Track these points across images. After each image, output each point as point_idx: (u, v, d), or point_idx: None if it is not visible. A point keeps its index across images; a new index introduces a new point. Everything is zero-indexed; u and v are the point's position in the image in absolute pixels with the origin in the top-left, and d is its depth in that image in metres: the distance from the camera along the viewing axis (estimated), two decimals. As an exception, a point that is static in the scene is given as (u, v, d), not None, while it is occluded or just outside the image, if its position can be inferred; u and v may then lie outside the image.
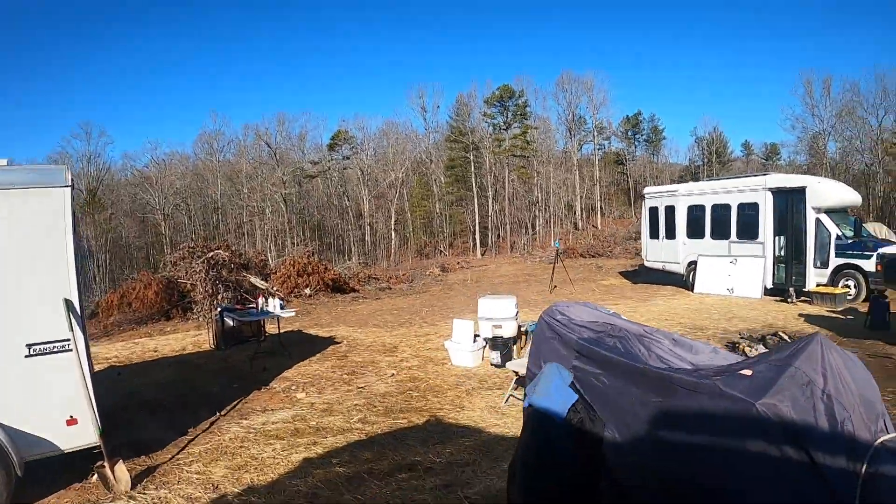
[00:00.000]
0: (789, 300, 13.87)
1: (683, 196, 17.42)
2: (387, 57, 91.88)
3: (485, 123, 55.10)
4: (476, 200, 51.16)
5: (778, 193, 14.88)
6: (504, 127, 55.59)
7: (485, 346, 8.65)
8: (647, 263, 19.17)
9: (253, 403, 6.99)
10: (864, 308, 12.67)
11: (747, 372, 2.64)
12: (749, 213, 15.56)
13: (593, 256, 32.09)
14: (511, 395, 6.64)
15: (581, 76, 56.79)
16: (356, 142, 57.74)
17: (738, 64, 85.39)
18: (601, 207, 54.77)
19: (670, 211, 17.68)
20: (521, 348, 9.01)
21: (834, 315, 12.34)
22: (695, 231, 17.04)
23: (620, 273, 24.22)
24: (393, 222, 52.55)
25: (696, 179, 27.48)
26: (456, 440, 5.47)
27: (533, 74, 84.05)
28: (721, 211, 16.31)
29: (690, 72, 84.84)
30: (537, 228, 51.52)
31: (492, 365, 8.34)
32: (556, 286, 18.30)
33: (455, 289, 22.48)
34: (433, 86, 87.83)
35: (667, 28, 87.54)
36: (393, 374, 8.13)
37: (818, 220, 14.18)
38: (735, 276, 15.51)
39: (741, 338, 9.39)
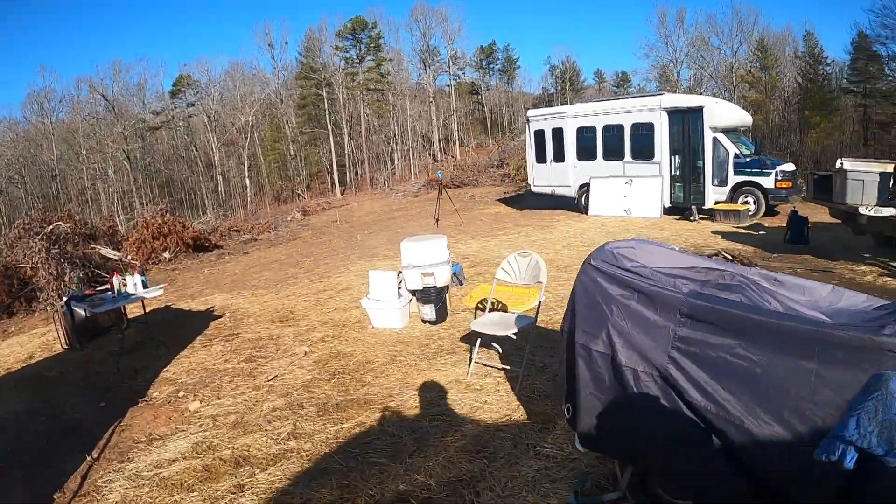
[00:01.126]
0: (691, 218, 13.91)
1: (572, 118, 16.69)
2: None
3: (337, 58, 52.52)
4: (331, 138, 49.06)
5: (674, 113, 14.70)
6: (357, 60, 53.29)
7: (410, 300, 7.04)
8: (534, 188, 18.51)
9: (134, 430, 4.77)
10: (768, 223, 13.14)
11: None
12: (644, 134, 15.23)
13: (459, 186, 30.91)
14: (476, 362, 5.13)
15: (435, 7, 56.72)
16: (200, 86, 53.35)
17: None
18: (459, 138, 54.61)
19: (558, 133, 16.96)
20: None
21: (745, 231, 12.33)
22: (586, 153, 16.48)
23: (499, 200, 23.41)
24: (246, 169, 49.15)
25: (550, 106, 27.22)
26: (437, 442, 3.90)
27: (385, 6, 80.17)
28: (613, 132, 15.86)
29: (544, 1, 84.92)
30: (396, 163, 50.50)
31: (424, 322, 6.75)
32: (438, 218, 16.87)
33: (327, 232, 20.48)
34: (280, 21, 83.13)
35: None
36: (306, 353, 6.19)
37: (715, 140, 14.24)
38: (631, 196, 15.27)
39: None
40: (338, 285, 9.55)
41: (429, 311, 6.71)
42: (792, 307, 2.58)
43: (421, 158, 50.93)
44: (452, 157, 50.45)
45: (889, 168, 8.48)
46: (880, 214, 7.98)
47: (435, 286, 6.69)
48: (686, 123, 14.57)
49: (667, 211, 14.97)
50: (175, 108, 53.91)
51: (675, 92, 35.60)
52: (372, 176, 48.20)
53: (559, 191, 17.38)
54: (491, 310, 5.56)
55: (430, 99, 53.69)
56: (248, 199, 47.23)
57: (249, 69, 55.26)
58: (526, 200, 20.98)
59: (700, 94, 38.00)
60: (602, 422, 2.81)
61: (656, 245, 3.11)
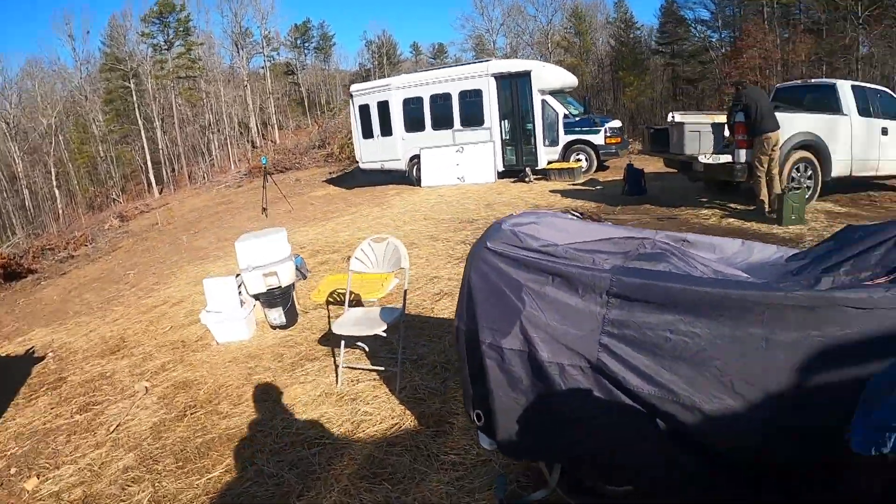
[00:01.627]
0: (526, 180, 14.21)
1: (397, 89, 16.41)
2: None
3: (143, 45, 48.87)
4: (143, 134, 45.65)
5: (502, 78, 14.96)
6: (165, 47, 49.90)
7: (254, 306, 6.26)
8: (362, 165, 18.02)
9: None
10: (602, 178, 13.96)
11: None
12: (472, 101, 15.35)
13: (282, 171, 29.64)
14: (344, 367, 4.59)
15: (247, -15, 52.95)
16: (-7, 89, 46.87)
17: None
18: (278, 121, 52.80)
19: (384, 106, 16.58)
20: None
21: (582, 188, 12.78)
22: (414, 124, 16.30)
23: (327, 181, 22.77)
24: (54, 178, 44.35)
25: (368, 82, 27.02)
26: (325, 473, 3.35)
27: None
28: (441, 101, 15.82)
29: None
30: (214, 153, 48.12)
31: (274, 328, 6.08)
32: (265, 207, 15.89)
33: (149, 238, 18.52)
34: (82, 8, 76.33)
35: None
36: (147, 390, 5.19)
37: (544, 102, 14.72)
38: (464, 164, 15.30)
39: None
40: (170, 298, 8.48)
41: (277, 316, 6.04)
42: (718, 269, 2.53)
43: (240, 146, 48.70)
44: (272, 141, 48.47)
45: (718, 119, 9.06)
46: (718, 161, 8.61)
47: (280, 286, 5.97)
48: (514, 88, 14.90)
49: (501, 175, 15.21)
50: (-33, 116, 47.44)
51: (476, 60, 36.76)
52: (190, 170, 45.59)
53: (389, 165, 17.04)
54: (351, 304, 5.02)
55: (245, 83, 51.18)
56: (60, 212, 42.58)
57: (49, 65, 50.09)
58: (354, 179, 20.56)
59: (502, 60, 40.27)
60: (525, 426, 2.46)
61: (558, 216, 2.80)
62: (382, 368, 4.53)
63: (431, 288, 6.54)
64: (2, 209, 44.34)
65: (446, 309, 5.76)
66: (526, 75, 14.66)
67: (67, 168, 46.72)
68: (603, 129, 14.59)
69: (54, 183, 44.54)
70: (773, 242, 7.06)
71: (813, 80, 11.70)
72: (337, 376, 4.53)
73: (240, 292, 6.15)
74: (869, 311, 1.94)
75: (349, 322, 4.36)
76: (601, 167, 15.02)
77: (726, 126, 8.76)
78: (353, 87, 17.95)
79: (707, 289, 2.11)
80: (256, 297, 6.07)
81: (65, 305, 10.34)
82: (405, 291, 4.49)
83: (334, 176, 24.04)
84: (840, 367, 1.95)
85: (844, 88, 9.58)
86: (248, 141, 49.70)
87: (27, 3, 76.59)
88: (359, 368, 4.63)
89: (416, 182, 16.07)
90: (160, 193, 42.46)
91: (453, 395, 3.99)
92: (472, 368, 2.57)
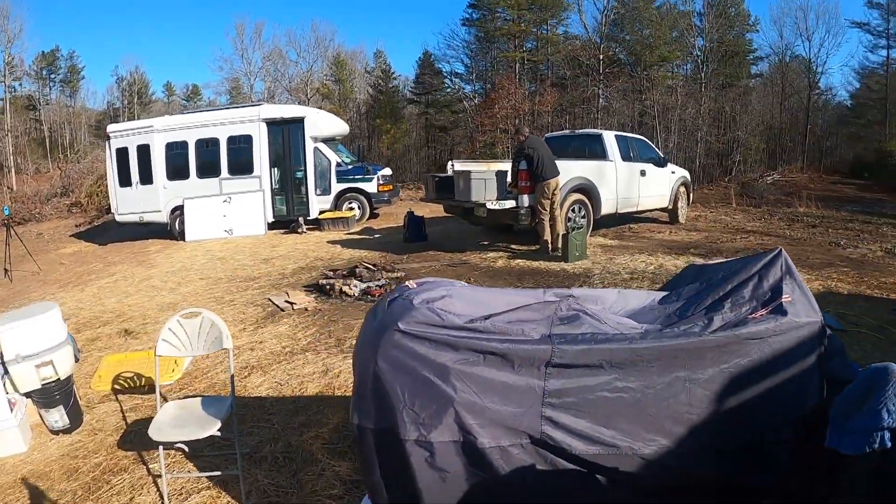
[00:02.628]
0: (299, 230, 13.83)
1: (160, 132, 14.89)
2: None
3: None
4: None
5: (274, 124, 14.54)
6: None
7: (27, 407, 4.90)
8: (118, 217, 15.75)
9: None
10: (376, 225, 14.33)
11: (787, 297, 2.46)
12: (242, 147, 14.62)
13: (21, 223, 25.26)
14: (169, 476, 3.57)
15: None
16: None
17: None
18: (16, 163, 45.04)
19: (144, 151, 14.87)
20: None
21: (359, 237, 12.74)
22: (177, 172, 14.87)
23: (75, 236, 19.90)
24: None
25: (116, 123, 24.69)
26: None
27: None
28: (208, 146, 14.78)
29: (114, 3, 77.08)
30: (-68, 209, 39.54)
31: (56, 433, 4.66)
32: (9, 269, 13.10)
33: None
34: None
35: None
36: None
37: (317, 149, 14.53)
38: (232, 215, 14.38)
39: (326, 278, 8.16)
40: None
41: (58, 418, 4.60)
42: (619, 321, 2.62)
43: (-31, 196, 40.98)
44: (9, 188, 41.51)
45: (498, 167, 9.68)
46: (503, 207, 9.13)
47: (58, 378, 4.67)
48: (287, 134, 14.54)
49: (271, 226, 14.62)
50: None
51: (246, 104, 35.78)
52: None
53: (149, 217, 15.24)
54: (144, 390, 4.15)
55: (-19, 118, 43.31)
56: None
57: None
58: (107, 233, 18.26)
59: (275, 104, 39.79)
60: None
61: (460, 285, 2.59)
62: (219, 474, 3.60)
63: (234, 362, 5.78)
64: None
65: (261, 386, 5.03)
66: (300, 122, 14.42)
67: None
68: (376, 176, 14.77)
69: None
70: (565, 278, 7.69)
71: (580, 131, 13.26)
72: (161, 493, 3.50)
73: (6, 391, 4.84)
74: (763, 340, 2.34)
75: (169, 423, 3.42)
76: (373, 215, 15.18)
77: (510, 173, 9.38)
78: (111, 128, 15.96)
79: (641, 344, 2.31)
80: (28, 394, 4.81)
81: None
82: (232, 377, 3.78)
83: (83, 229, 21.17)
84: (746, 389, 2.33)
85: (609, 137, 11.06)
86: (-21, 188, 42.04)
87: None
88: (186, 476, 3.67)
89: (180, 236, 14.53)
90: None
91: (312, 490, 3.38)
92: (388, 471, 2.28)
